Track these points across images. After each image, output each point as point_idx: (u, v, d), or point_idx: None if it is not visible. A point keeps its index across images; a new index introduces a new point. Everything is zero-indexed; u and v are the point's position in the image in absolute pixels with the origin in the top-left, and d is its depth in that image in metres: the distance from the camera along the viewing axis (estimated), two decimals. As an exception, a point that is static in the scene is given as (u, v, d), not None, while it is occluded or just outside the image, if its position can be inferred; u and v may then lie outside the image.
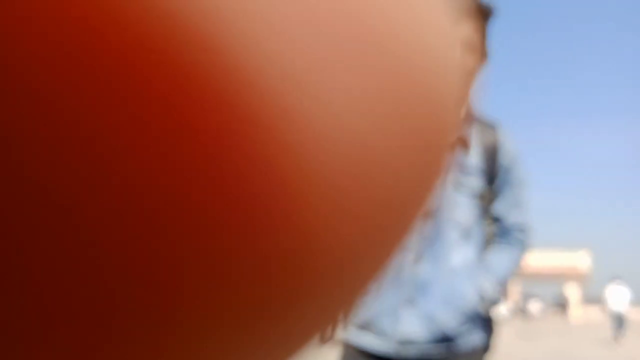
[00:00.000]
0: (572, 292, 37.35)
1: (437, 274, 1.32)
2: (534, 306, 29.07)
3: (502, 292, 1.39)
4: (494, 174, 1.41)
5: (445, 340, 1.30)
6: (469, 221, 1.38)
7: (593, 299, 40.58)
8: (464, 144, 1.29)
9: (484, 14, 1.27)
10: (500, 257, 1.42)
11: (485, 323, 1.37)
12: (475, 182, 1.39)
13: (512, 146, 1.47)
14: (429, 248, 1.35)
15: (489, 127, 1.45)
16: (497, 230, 1.47)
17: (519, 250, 1.45)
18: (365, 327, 1.34)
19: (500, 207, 1.45)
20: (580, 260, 37.76)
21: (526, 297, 33.35)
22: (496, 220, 1.47)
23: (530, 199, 1.51)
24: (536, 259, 35.94)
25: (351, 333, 1.37)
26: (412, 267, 1.33)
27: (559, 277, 38.74)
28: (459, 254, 1.35)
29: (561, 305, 34.30)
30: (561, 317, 34.00)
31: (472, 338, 1.32)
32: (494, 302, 1.35)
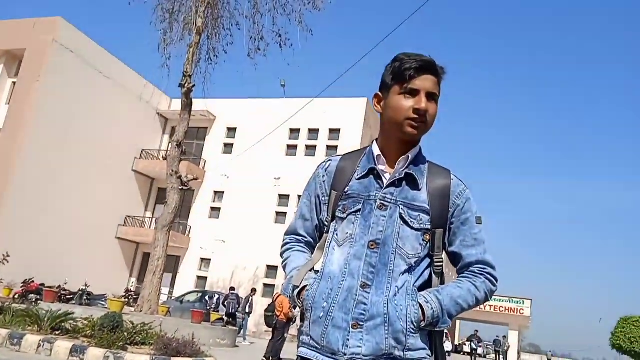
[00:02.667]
0: (513, 338, 38.78)
1: (380, 297, 1.40)
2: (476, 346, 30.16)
3: (450, 316, 1.45)
4: (445, 214, 1.49)
5: (390, 357, 1.38)
6: (416, 254, 1.46)
7: (530, 346, 41.94)
8: None
9: (439, 72, 1.50)
10: (453, 286, 1.49)
11: (429, 339, 1.44)
12: (424, 219, 1.47)
13: (465, 189, 1.55)
14: (376, 276, 1.43)
15: (441, 170, 1.56)
16: (458, 267, 1.56)
17: (480, 284, 1.51)
18: (315, 346, 1.44)
19: (459, 245, 1.52)
20: (523, 309, 39.35)
21: (469, 337, 34.39)
22: (456, 258, 1.54)
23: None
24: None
25: (302, 352, 1.48)
26: (360, 292, 1.41)
27: (501, 323, 40.25)
28: (403, 281, 1.43)
29: (501, 349, 35.50)
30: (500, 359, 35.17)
31: (416, 353, 1.39)
32: (436, 320, 1.42)
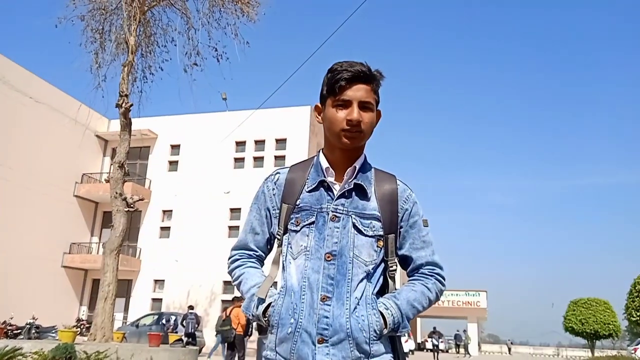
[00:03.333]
0: (472, 330, 39.72)
1: (341, 310, 1.42)
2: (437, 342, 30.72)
3: (409, 319, 1.49)
4: (394, 219, 1.53)
5: None
6: (372, 261, 1.49)
7: (489, 337, 43.21)
8: None
9: (373, 79, 1.52)
10: (407, 290, 1.54)
11: (392, 346, 1.49)
12: (376, 226, 1.51)
13: (411, 193, 1.60)
14: (335, 287, 1.44)
15: (386, 176, 1.60)
16: (409, 269, 1.59)
17: (431, 285, 1.56)
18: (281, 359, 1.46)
19: (409, 248, 1.57)
20: (479, 301, 40.41)
21: (430, 334, 34.99)
22: (406, 260, 1.58)
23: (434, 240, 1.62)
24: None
25: None
26: (321, 306, 1.42)
27: (460, 317, 41.21)
28: (360, 288, 1.46)
29: (462, 343, 36.26)
30: (462, 353, 35.92)
31: (381, 358, 1.43)
32: (397, 325, 1.46)
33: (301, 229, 1.52)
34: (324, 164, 1.58)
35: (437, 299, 1.59)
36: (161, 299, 23.85)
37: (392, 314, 1.46)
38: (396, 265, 1.55)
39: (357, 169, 1.56)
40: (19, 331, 16.88)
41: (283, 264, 1.55)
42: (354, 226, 1.50)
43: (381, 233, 1.51)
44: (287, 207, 1.56)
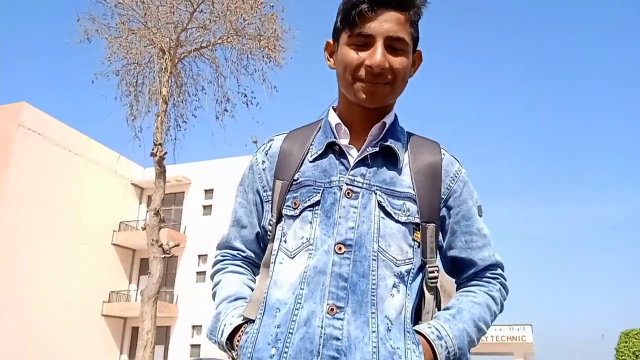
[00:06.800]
0: (518, 366, 38.21)
1: (363, 331, 0.94)
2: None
3: (472, 346, 1.07)
4: (435, 203, 1.08)
5: None
6: (405, 260, 1.03)
7: (537, 373, 41.51)
8: None
9: (410, 4, 1.06)
10: (468, 303, 1.08)
11: None
12: (412, 209, 1.05)
13: (460, 168, 1.14)
14: (351, 294, 0.97)
15: (426, 143, 1.14)
16: (466, 274, 1.15)
17: (496, 293, 1.13)
18: None
19: (464, 247, 1.12)
20: (525, 335, 39.00)
21: (475, 371, 33.80)
22: (460, 264, 1.14)
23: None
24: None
25: None
26: (328, 321, 0.95)
27: (505, 353, 39.74)
28: (393, 303, 0.99)
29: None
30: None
31: None
32: None
33: (301, 213, 1.06)
34: (334, 120, 1.13)
35: (501, 310, 1.16)
36: (199, 345, 23.76)
37: (446, 347, 0.99)
38: (437, 271, 1.09)
39: (386, 125, 1.11)
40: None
41: (272, 268, 1.08)
42: (380, 206, 1.04)
43: (417, 220, 1.05)
44: (281, 184, 1.11)
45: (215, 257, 1.25)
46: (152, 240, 13.30)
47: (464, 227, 1.12)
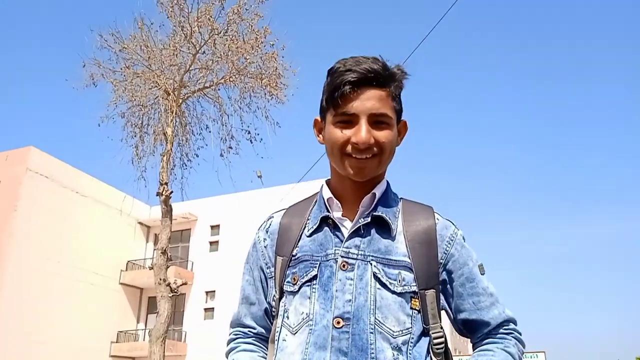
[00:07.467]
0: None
1: None
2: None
3: None
4: (433, 268, 1.09)
5: None
6: (402, 331, 1.04)
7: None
8: None
9: (391, 79, 1.11)
10: None
11: None
12: (407, 278, 1.07)
13: (456, 231, 1.15)
14: None
15: (419, 209, 1.16)
16: (480, 334, 1.14)
17: (513, 348, 1.11)
18: None
19: (474, 309, 1.12)
20: (538, 361, 38.21)
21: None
22: (472, 325, 1.14)
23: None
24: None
25: None
26: None
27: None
28: None
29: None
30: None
31: None
32: None
33: (300, 288, 1.09)
34: (327, 194, 1.17)
35: None
36: (209, 383, 23.46)
37: None
38: (444, 336, 1.08)
39: (377, 196, 1.13)
40: None
41: (276, 345, 1.11)
42: (375, 277, 1.06)
43: (415, 289, 1.06)
44: (281, 260, 1.14)
45: (229, 335, 1.28)
46: (160, 279, 13.32)
47: (469, 288, 1.13)
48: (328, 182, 1.22)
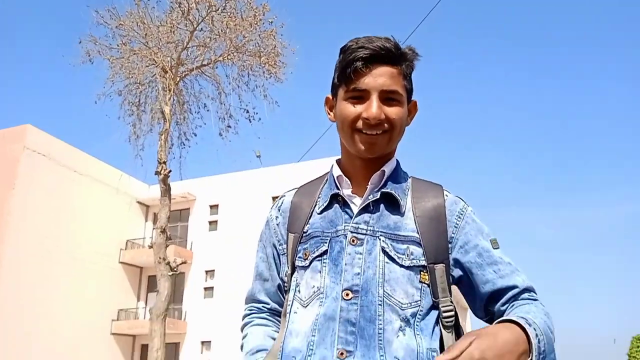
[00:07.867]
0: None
1: None
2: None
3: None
4: (442, 243, 1.10)
5: None
6: (411, 303, 1.05)
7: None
8: None
9: (402, 58, 1.14)
10: (530, 311, 1.01)
11: None
12: (416, 253, 1.08)
13: (465, 206, 1.17)
14: (359, 338, 1.01)
15: (429, 186, 1.18)
16: (501, 302, 1.09)
17: (548, 311, 1.05)
18: None
19: (496, 277, 1.09)
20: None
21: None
22: (496, 294, 1.10)
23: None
24: None
25: None
26: None
27: None
28: (402, 344, 1.01)
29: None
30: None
31: None
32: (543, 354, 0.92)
33: (311, 263, 1.12)
34: (337, 172, 1.20)
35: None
36: (209, 361, 23.71)
37: (537, 336, 0.91)
38: (454, 310, 1.09)
39: (386, 173, 1.16)
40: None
41: (287, 318, 1.14)
42: (384, 251, 1.08)
43: (423, 263, 1.08)
44: (293, 237, 1.18)
45: (244, 311, 1.33)
46: (160, 258, 13.35)
47: (487, 258, 1.12)
48: (338, 162, 1.24)
